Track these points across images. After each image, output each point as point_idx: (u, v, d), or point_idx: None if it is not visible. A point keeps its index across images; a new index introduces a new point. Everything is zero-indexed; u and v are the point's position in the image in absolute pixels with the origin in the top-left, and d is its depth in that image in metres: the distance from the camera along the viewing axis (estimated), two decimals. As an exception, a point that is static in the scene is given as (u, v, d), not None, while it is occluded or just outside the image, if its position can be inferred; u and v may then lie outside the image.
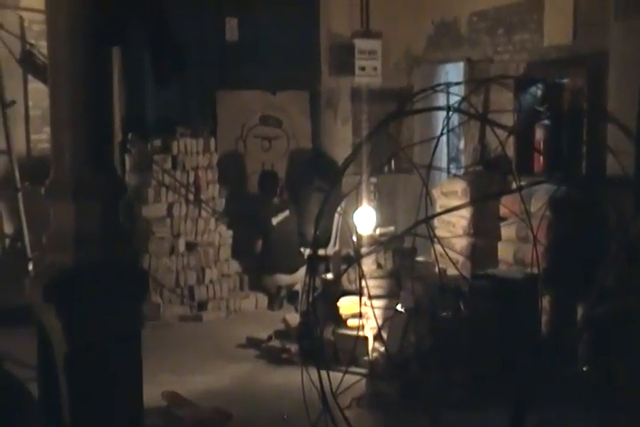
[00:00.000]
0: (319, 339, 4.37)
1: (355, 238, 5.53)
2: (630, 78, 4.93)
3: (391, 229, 6.02)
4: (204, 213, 6.74)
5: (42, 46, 6.11)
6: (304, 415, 3.19)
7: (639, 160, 4.55)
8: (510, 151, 5.63)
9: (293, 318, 5.65)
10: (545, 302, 4.88)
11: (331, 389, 3.08)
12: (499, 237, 5.54)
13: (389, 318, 4.92)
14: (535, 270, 4.37)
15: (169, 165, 6.61)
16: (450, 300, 4.68)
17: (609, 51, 5.18)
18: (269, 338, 5.62)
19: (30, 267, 5.44)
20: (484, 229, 5.81)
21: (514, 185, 3.99)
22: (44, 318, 2.87)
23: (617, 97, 5.08)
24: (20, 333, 3.96)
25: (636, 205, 4.38)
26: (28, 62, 6.40)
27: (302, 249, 6.92)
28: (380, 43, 7.56)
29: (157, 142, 6.65)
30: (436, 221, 5.90)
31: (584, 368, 4.28)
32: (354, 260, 5.12)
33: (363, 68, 7.54)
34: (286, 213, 7.00)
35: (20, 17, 6.43)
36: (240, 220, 6.97)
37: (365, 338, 5.02)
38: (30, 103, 6.52)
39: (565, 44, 5.73)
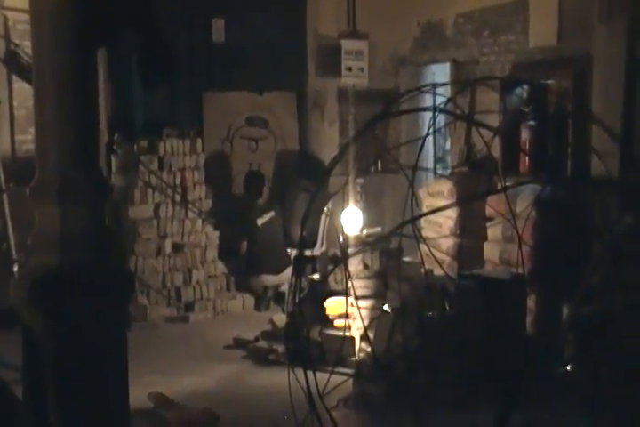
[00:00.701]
0: (306, 339, 4.37)
1: (341, 239, 5.54)
2: (614, 80, 4.96)
3: (378, 229, 6.03)
4: (190, 214, 6.73)
5: (26, 46, 6.08)
6: (291, 416, 3.19)
7: (623, 161, 4.58)
8: (496, 152, 5.65)
9: (280, 319, 5.65)
10: (531, 301, 4.90)
11: (317, 389, 3.08)
12: (485, 238, 5.56)
13: (376, 318, 4.93)
14: (521, 270, 4.39)
15: (155, 165, 6.60)
16: (436, 300, 4.70)
17: (593, 52, 5.21)
18: (256, 339, 5.62)
19: (15, 268, 5.40)
20: (470, 230, 5.83)
21: (499, 185, 4.01)
22: (29, 319, 2.85)
23: (601, 98, 5.11)
24: (4, 334, 3.93)
25: (620, 205, 4.41)
26: (13, 62, 6.36)
27: (289, 250, 6.92)
28: (367, 43, 7.57)
29: (144, 143, 6.64)
30: (422, 222, 5.91)
31: (567, 367, 4.31)
32: (340, 260, 5.13)
33: (349, 69, 7.55)
34: (272, 213, 7.00)
35: (5, 16, 6.39)
36: (226, 220, 6.97)
37: (352, 338, 5.03)
38: (15, 103, 6.49)
39: (550, 46, 5.76)
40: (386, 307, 4.94)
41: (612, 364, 3.90)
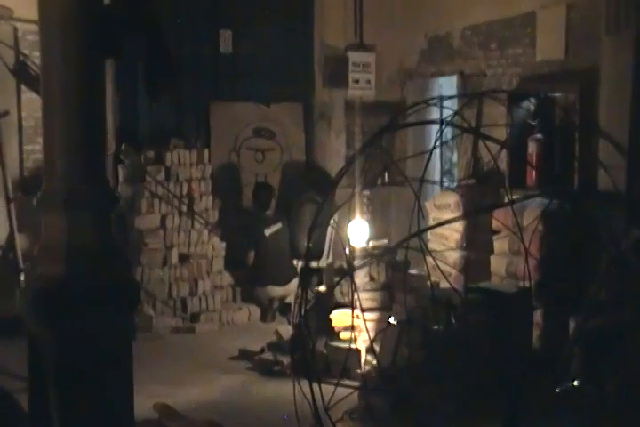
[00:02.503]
0: (311, 351, 4.35)
1: (347, 251, 5.53)
2: (621, 93, 4.96)
3: (384, 241, 6.03)
4: (197, 225, 6.74)
5: (35, 57, 6.11)
6: (295, 428, 3.18)
7: (630, 175, 4.57)
8: (503, 165, 5.65)
9: (286, 331, 5.64)
10: (537, 315, 4.88)
11: (323, 401, 3.07)
12: (491, 251, 5.54)
13: (382, 330, 4.92)
14: (527, 284, 4.37)
15: (162, 176, 6.61)
16: (442, 313, 4.68)
17: (600, 65, 5.22)
18: (262, 350, 5.60)
19: (22, 278, 5.41)
20: (476, 243, 5.81)
21: (506, 198, 4.01)
22: (35, 329, 2.85)
23: (608, 111, 5.11)
24: (10, 344, 3.94)
25: (627, 219, 4.40)
26: (22, 73, 6.40)
27: (295, 261, 6.91)
28: (374, 56, 7.60)
29: (151, 154, 6.66)
30: (428, 234, 5.90)
31: (575, 382, 4.28)
32: (346, 272, 5.13)
33: (356, 81, 7.57)
34: (279, 225, 7.00)
35: (14, 27, 6.44)
36: (233, 231, 6.97)
37: (358, 351, 5.01)
38: (23, 114, 6.52)
39: (558, 59, 5.77)
40: (392, 319, 4.92)
41: (619, 378, 3.87)
